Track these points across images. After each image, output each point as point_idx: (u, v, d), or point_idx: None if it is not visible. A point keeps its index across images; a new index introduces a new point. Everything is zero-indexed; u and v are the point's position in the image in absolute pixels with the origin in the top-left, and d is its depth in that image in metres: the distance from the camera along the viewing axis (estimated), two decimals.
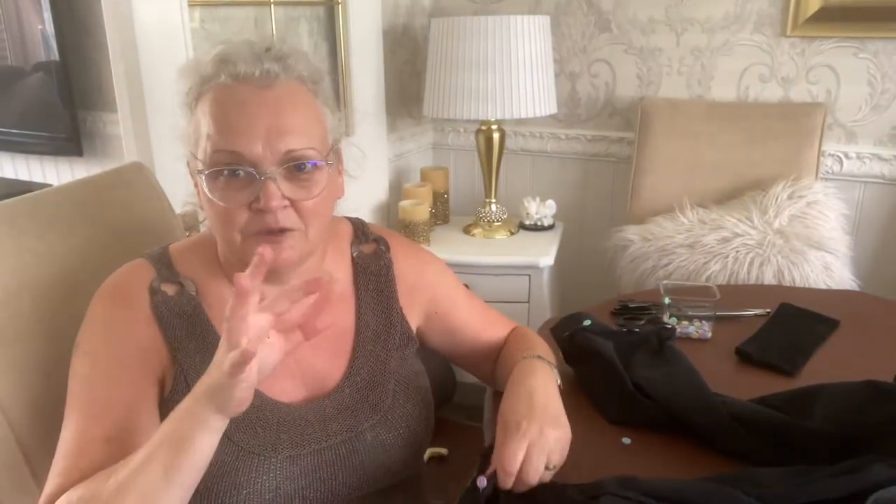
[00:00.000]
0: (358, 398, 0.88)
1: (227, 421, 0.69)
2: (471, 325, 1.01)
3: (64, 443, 0.77)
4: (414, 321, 0.97)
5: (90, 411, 0.77)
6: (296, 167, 0.78)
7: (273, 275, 0.79)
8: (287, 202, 0.78)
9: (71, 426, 0.77)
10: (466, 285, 1.05)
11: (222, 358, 0.66)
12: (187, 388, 0.81)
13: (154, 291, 0.83)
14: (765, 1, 2.00)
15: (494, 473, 0.75)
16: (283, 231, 0.79)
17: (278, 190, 0.77)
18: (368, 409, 0.87)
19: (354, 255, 0.95)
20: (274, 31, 1.81)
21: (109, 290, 0.84)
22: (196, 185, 0.84)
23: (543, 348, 0.98)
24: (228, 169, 0.77)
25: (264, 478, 0.79)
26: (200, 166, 0.79)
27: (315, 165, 0.80)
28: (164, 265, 0.86)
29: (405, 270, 0.97)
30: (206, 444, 0.69)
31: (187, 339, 0.83)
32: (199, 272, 0.87)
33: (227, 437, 0.75)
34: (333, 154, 0.85)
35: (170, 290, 0.84)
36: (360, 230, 0.98)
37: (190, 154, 0.82)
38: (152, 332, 0.82)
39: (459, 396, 2.15)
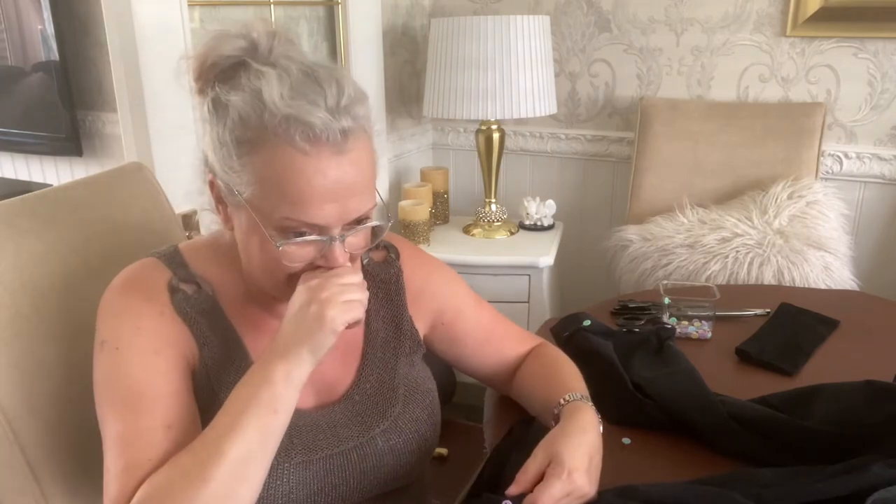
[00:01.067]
0: (368, 404, 0.88)
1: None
2: (476, 337, 0.99)
3: (116, 441, 0.73)
4: (421, 329, 0.97)
5: (138, 404, 0.74)
6: (356, 221, 0.78)
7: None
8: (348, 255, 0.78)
9: (117, 424, 0.73)
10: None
11: (308, 312, 0.73)
12: (208, 384, 0.80)
13: (174, 289, 0.81)
14: (765, 1, 2.00)
15: (519, 497, 0.74)
16: None
17: (343, 249, 0.77)
18: (378, 415, 0.87)
19: (365, 262, 0.94)
20: None
21: (127, 285, 0.82)
22: (221, 204, 0.80)
23: (580, 382, 0.93)
24: (295, 233, 0.75)
25: (277, 483, 0.78)
26: (256, 216, 0.75)
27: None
28: (179, 264, 0.84)
29: (414, 278, 0.96)
30: (294, 402, 0.74)
31: (211, 335, 0.82)
32: (213, 273, 0.85)
33: None
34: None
35: (188, 288, 0.83)
36: None
37: (227, 183, 0.76)
38: (179, 328, 0.80)
39: (459, 396, 2.15)
